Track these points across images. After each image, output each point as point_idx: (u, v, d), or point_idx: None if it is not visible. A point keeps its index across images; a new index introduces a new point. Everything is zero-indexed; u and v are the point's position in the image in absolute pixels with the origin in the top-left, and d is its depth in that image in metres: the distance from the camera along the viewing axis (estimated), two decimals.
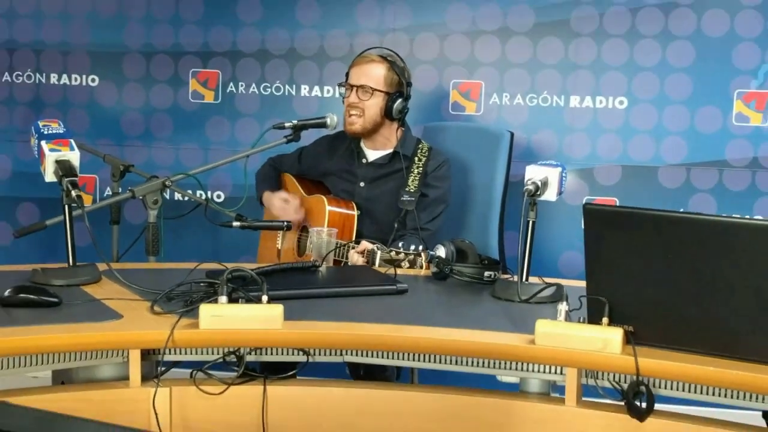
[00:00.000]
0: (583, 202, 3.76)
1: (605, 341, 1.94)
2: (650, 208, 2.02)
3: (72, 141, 2.48)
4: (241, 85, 3.99)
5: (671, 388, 1.97)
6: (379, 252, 2.74)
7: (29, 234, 2.58)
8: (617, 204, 3.72)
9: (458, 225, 3.35)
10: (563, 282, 2.44)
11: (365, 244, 2.85)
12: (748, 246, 1.84)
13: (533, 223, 2.39)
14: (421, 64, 3.82)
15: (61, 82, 4.07)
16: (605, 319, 1.96)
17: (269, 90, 3.98)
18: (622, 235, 1.97)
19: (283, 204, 3.18)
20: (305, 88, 3.96)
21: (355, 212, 3.13)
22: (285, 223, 3.02)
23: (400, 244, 2.73)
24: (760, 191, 3.71)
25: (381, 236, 3.02)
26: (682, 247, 1.90)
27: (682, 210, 3.69)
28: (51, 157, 2.43)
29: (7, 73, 4.06)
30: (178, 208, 3.69)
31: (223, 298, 2.09)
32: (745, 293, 1.86)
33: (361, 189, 3.19)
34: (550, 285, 2.37)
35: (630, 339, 1.95)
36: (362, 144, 3.21)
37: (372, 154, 3.21)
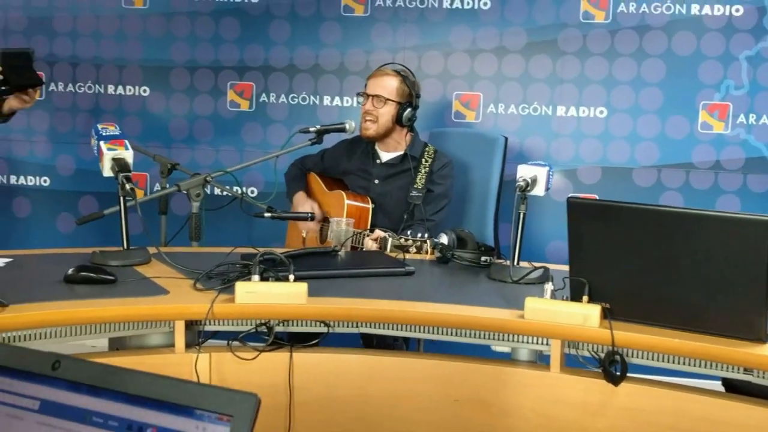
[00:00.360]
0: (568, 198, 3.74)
1: (585, 316, 1.93)
2: (625, 201, 2.01)
3: (126, 142, 2.46)
4: (272, 96, 3.94)
5: (642, 358, 1.95)
6: (390, 239, 2.72)
7: (89, 222, 2.56)
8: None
9: (459, 217, 3.31)
10: (550, 266, 2.42)
11: (378, 232, 2.82)
12: (709, 234, 1.82)
13: (524, 215, 2.36)
14: (427, 78, 3.76)
15: (117, 93, 4.03)
16: (585, 297, 1.94)
17: (296, 100, 3.92)
18: (600, 225, 1.95)
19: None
20: (327, 99, 3.91)
21: (370, 206, 3.10)
22: (309, 215, 3.02)
23: (408, 233, 2.70)
24: (722, 190, 3.64)
25: (392, 226, 2.97)
26: (653, 235, 1.87)
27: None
28: (108, 155, 2.42)
29: (70, 84, 4.04)
30: (217, 201, 3.67)
31: (256, 277, 2.07)
32: (707, 274, 1.84)
33: (375, 186, 3.16)
34: (537, 268, 2.35)
35: (607, 314, 1.93)
36: (376, 146, 3.17)
37: (385, 156, 3.18)
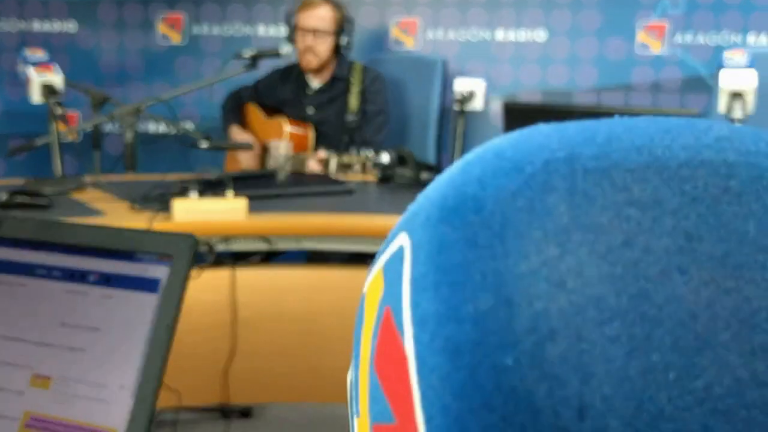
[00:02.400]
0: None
1: None
2: (563, 105, 2.08)
3: (56, 65, 2.47)
4: (205, 27, 3.93)
5: None
6: (333, 159, 2.76)
7: (21, 153, 2.57)
8: None
9: (400, 141, 3.28)
10: None
11: (321, 153, 2.86)
12: None
13: (463, 130, 2.44)
14: (363, 5, 3.76)
15: (44, 30, 3.99)
16: None
17: (230, 30, 3.92)
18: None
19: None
20: (262, 28, 3.90)
21: (310, 132, 3.13)
22: (248, 144, 3.04)
23: (349, 151, 2.75)
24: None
25: (334, 151, 3.03)
26: None
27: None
28: (37, 80, 2.41)
29: None
30: (154, 139, 3.70)
31: (194, 194, 2.10)
32: None
33: (310, 114, 3.18)
34: None
35: None
36: (307, 75, 3.19)
37: (315, 83, 3.19)
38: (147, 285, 0.81)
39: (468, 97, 2.44)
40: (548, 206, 0.29)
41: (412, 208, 0.34)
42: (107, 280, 0.82)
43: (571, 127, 0.32)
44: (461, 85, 2.44)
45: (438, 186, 0.34)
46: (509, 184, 0.30)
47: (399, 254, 0.32)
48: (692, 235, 0.28)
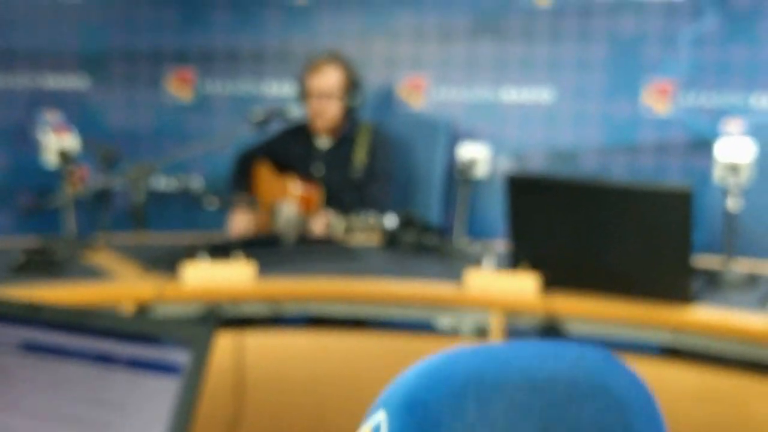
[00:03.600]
0: None
1: (523, 286, 2.10)
2: (560, 177, 2.19)
3: (71, 128, 2.60)
4: (215, 84, 4.04)
5: (580, 325, 2.10)
6: (338, 222, 2.87)
7: (35, 213, 2.69)
8: None
9: (406, 201, 3.43)
10: (495, 241, 2.57)
11: (325, 216, 2.96)
12: (635, 205, 2.01)
13: (466, 197, 2.55)
14: (371, 63, 3.87)
15: (56, 84, 4.08)
16: (523, 268, 2.12)
17: (240, 89, 4.02)
18: (538, 198, 2.12)
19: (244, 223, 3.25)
20: (272, 87, 4.00)
21: (318, 191, 3.21)
22: (253, 200, 3.15)
23: (353, 214, 2.87)
24: (666, 169, 3.78)
25: (341, 210, 3.07)
26: (587, 206, 2.05)
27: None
28: (54, 144, 2.54)
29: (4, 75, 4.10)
30: (163, 197, 3.80)
31: (204, 258, 2.21)
32: (639, 241, 2.02)
33: (318, 172, 3.29)
34: (479, 243, 2.54)
35: (544, 284, 2.10)
36: (315, 134, 3.31)
37: (324, 142, 3.31)
38: (169, 368, 0.93)
39: (471, 165, 2.55)
40: (463, 410, 0.52)
41: (391, 387, 0.54)
42: (133, 363, 0.94)
43: (480, 353, 0.57)
44: (465, 153, 2.56)
45: (408, 378, 0.57)
46: (442, 394, 0.53)
47: (377, 429, 0.54)
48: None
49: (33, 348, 0.96)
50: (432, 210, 3.45)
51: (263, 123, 3.10)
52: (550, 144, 3.89)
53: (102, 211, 3.17)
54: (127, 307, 2.17)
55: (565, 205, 2.09)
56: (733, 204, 2.23)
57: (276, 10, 4.01)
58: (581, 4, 3.82)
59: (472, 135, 3.89)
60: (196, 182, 4.06)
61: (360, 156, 3.23)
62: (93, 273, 2.30)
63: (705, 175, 3.77)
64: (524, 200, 2.14)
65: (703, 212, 2.89)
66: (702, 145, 3.77)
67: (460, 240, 2.55)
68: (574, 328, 2.13)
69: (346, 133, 3.28)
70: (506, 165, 3.89)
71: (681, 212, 1.97)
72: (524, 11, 3.86)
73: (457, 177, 2.55)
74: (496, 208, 3.70)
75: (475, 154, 2.56)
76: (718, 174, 2.29)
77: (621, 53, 3.81)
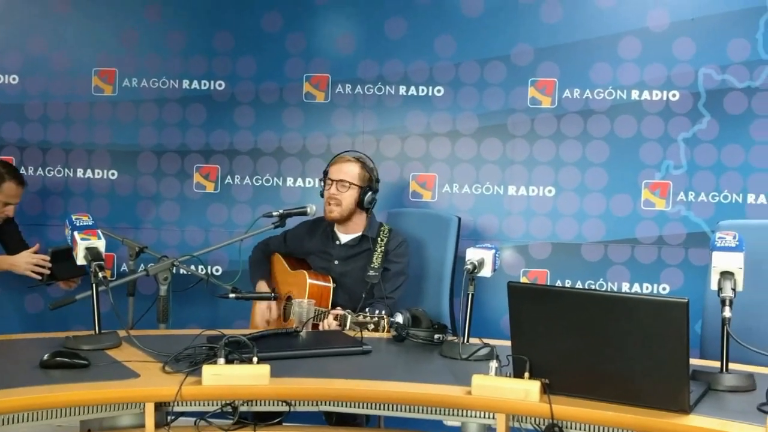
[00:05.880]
0: (521, 273, 3.91)
1: (526, 391, 2.06)
2: (560, 287, 2.18)
3: (99, 231, 2.59)
4: (237, 178, 4.08)
5: (581, 430, 2.06)
6: (349, 317, 2.87)
7: (63, 306, 2.69)
8: (548, 276, 3.88)
9: (416, 294, 3.44)
10: (501, 342, 2.51)
11: (338, 311, 2.96)
12: (633, 315, 1.98)
13: (472, 295, 2.52)
14: (385, 160, 3.95)
15: (86, 176, 4.15)
16: (527, 374, 2.08)
17: (260, 182, 4.07)
18: (538, 306, 2.10)
19: (265, 312, 3.26)
20: (290, 180, 4.05)
21: (331, 285, 3.22)
22: (272, 295, 3.16)
23: (366, 310, 2.86)
24: (666, 264, 3.81)
25: (352, 304, 3.12)
26: (585, 316, 2.03)
27: (601, 280, 3.85)
28: (82, 245, 2.55)
29: (40, 168, 4.15)
30: (184, 281, 3.79)
31: (221, 360, 2.19)
32: (635, 351, 1.99)
33: (335, 266, 3.30)
34: (485, 346, 2.50)
35: (546, 389, 2.06)
36: (336, 228, 3.33)
37: (344, 237, 3.32)
38: None
39: (479, 266, 2.55)
40: None
41: None
42: None
43: None
44: (473, 255, 2.56)
45: None
46: None
47: None
48: None
49: None
50: (443, 301, 3.44)
51: (281, 219, 3.13)
52: (554, 237, 3.91)
53: (127, 305, 3.17)
54: (149, 407, 2.16)
55: (565, 314, 2.08)
56: (728, 312, 2.21)
57: (295, 108, 4.06)
58: (582, 104, 3.86)
59: (479, 229, 3.92)
60: (216, 271, 4.09)
61: (378, 256, 3.23)
62: (117, 371, 2.28)
63: (702, 272, 3.78)
64: (526, 308, 2.13)
65: (701, 308, 2.87)
66: (701, 237, 3.78)
67: (468, 343, 2.52)
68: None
69: (367, 232, 3.29)
70: (511, 258, 3.90)
71: (679, 323, 1.95)
72: (527, 112, 3.90)
73: (465, 275, 2.53)
74: (505, 300, 3.71)
75: (482, 255, 2.56)
76: (714, 282, 2.28)
77: (621, 152, 3.84)
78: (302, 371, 2.31)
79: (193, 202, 4.13)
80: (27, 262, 3.45)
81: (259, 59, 4.05)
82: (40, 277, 3.46)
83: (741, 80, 3.74)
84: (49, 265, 3.44)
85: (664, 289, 3.82)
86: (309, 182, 4.06)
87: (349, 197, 3.25)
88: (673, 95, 3.80)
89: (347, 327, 2.85)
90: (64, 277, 3.50)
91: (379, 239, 3.27)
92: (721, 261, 2.27)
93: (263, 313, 3.25)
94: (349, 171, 3.26)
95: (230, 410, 2.22)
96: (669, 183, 3.83)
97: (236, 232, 3.94)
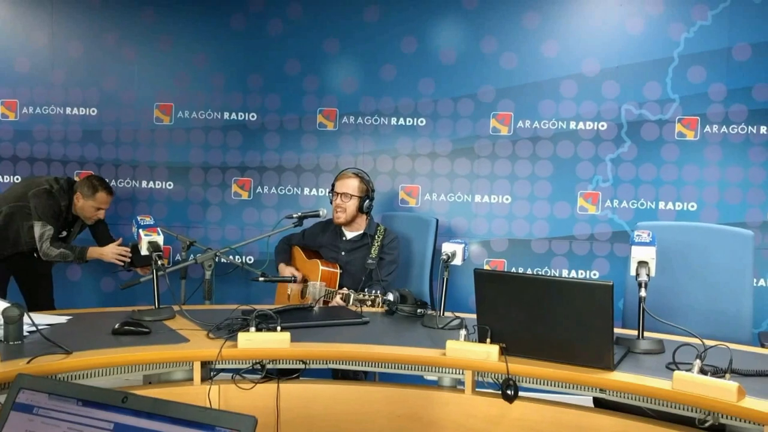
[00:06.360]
0: (484, 261, 3.93)
1: (488, 353, 2.07)
2: (515, 272, 2.18)
3: (159, 229, 2.58)
4: (266, 188, 4.09)
5: (530, 383, 2.07)
6: (352, 295, 2.88)
7: (131, 287, 2.70)
8: (505, 264, 3.89)
9: (404, 278, 3.44)
10: (468, 315, 2.54)
11: (343, 291, 2.96)
12: (570, 295, 2.00)
13: (447, 279, 2.51)
14: (380, 174, 3.97)
15: (149, 186, 4.15)
16: (488, 340, 2.09)
17: (284, 191, 4.10)
18: (498, 288, 2.10)
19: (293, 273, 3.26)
20: (306, 190, 4.06)
21: (338, 271, 3.22)
22: (293, 278, 3.16)
23: (365, 290, 2.87)
24: (596, 255, 3.82)
25: (354, 286, 3.12)
26: (533, 295, 2.04)
27: (546, 267, 3.86)
28: (145, 239, 2.54)
29: (113, 180, 4.15)
30: (223, 268, 3.80)
31: (253, 329, 2.19)
32: (572, 323, 2.00)
33: (342, 256, 3.29)
34: (456, 318, 2.50)
35: (503, 352, 2.07)
36: (343, 228, 3.33)
37: (349, 234, 3.32)
38: None
39: (452, 256, 2.55)
40: None
41: None
42: None
43: None
44: (447, 247, 2.56)
45: None
46: None
47: None
48: None
49: (123, 430, 0.96)
50: (424, 284, 3.44)
51: (299, 220, 3.13)
52: (510, 234, 3.92)
53: (180, 286, 3.17)
54: (196, 365, 2.16)
55: (518, 294, 2.08)
56: (643, 293, 2.22)
57: (311, 134, 4.07)
58: (532, 132, 3.87)
59: (453, 228, 3.93)
60: (249, 260, 4.09)
61: (375, 249, 3.22)
62: (172, 337, 2.29)
63: (624, 261, 3.79)
64: (488, 289, 2.13)
65: (623, 289, 2.88)
66: (622, 235, 3.79)
67: (443, 316, 2.52)
68: (526, 385, 2.10)
69: (367, 230, 3.28)
70: (477, 250, 3.91)
71: (605, 301, 1.96)
72: (489, 138, 3.91)
73: (441, 264, 2.53)
74: (468, 283, 3.71)
75: (455, 248, 2.56)
76: (633, 269, 2.29)
77: (562, 169, 3.85)
78: (315, 338, 2.31)
79: (231, 207, 4.12)
80: (113, 252, 3.45)
81: (283, 96, 4.05)
82: (122, 264, 3.46)
83: (654, 114, 3.76)
84: (130, 254, 3.44)
85: (594, 274, 3.83)
86: (321, 191, 4.05)
87: (351, 205, 3.25)
88: (602, 125, 3.82)
89: (350, 303, 2.85)
90: (141, 265, 3.50)
91: (376, 236, 3.27)
92: (638, 253, 2.28)
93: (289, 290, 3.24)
94: (351, 185, 3.26)
95: (259, 368, 2.22)
96: (599, 193, 3.84)
97: (265, 230, 3.94)
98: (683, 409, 1.88)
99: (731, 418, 1.81)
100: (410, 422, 2.18)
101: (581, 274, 3.84)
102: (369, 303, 2.78)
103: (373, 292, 2.81)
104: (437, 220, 3.51)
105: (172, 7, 4.08)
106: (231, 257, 3.28)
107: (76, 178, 3.77)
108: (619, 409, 2.07)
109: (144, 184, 4.17)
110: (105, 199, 3.59)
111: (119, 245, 3.47)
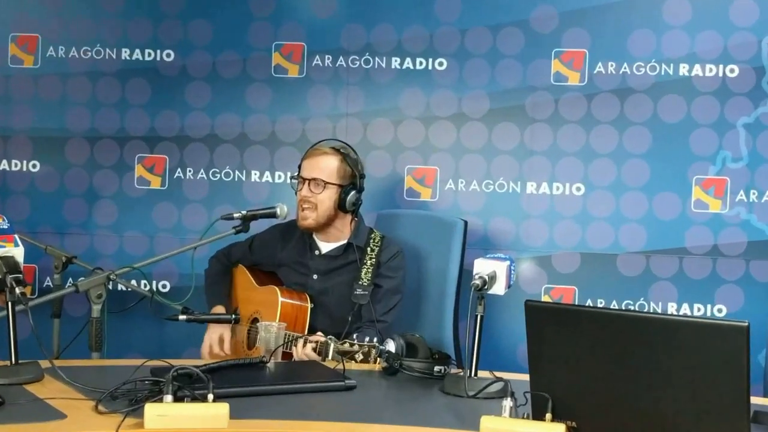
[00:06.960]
0: (542, 290, 3.92)
1: None
2: (591, 307, 2.17)
3: (16, 236, 2.55)
4: (189, 171, 4.10)
5: None
6: (332, 344, 2.84)
7: None
8: (575, 293, 3.89)
9: (413, 315, 3.45)
10: (518, 376, 2.50)
11: (317, 336, 2.93)
12: (681, 342, 1.97)
13: (482, 317, 2.50)
14: (374, 150, 3.96)
15: (0, 168, 4.15)
16: (548, 415, 2.06)
17: (218, 176, 4.09)
18: (562, 331, 2.08)
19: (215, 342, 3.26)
20: (255, 174, 4.06)
21: (309, 304, 3.21)
22: (233, 317, 3.15)
23: (354, 336, 2.81)
24: (722, 279, 3.81)
25: (335, 330, 3.09)
26: (620, 343, 2.01)
27: (641, 299, 3.86)
28: None
29: None
30: (122, 298, 3.79)
31: (169, 397, 2.15)
32: (685, 388, 1.98)
33: (314, 281, 3.28)
34: (497, 380, 2.48)
35: None
36: (315, 236, 3.31)
37: (325, 246, 3.30)
38: None
39: (489, 281, 2.54)
40: None
41: None
42: None
43: None
44: (483, 267, 2.55)
45: None
46: None
47: None
48: None
49: None
50: (445, 325, 3.45)
51: (244, 223, 3.11)
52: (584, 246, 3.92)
53: (52, 328, 3.17)
54: None
55: (596, 341, 2.07)
56: None
57: (262, 85, 4.07)
58: (618, 82, 3.87)
59: (490, 235, 3.92)
60: (163, 287, 4.08)
61: (367, 269, 3.22)
62: (39, 410, 2.25)
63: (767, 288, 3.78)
64: (548, 333, 2.11)
65: (765, 334, 2.89)
66: (764, 246, 3.80)
67: (476, 377, 2.51)
68: None
69: (353, 240, 3.28)
70: (531, 271, 3.91)
71: (738, 352, 1.95)
72: (550, 91, 3.91)
73: (473, 293, 2.52)
74: (517, 324, 3.72)
75: (494, 268, 2.55)
76: None
77: (666, 141, 3.85)
78: (270, 412, 2.29)
79: (134, 200, 4.13)
80: None
81: (216, 23, 4.06)
82: None
83: None
84: None
85: (719, 310, 3.84)
86: (279, 177, 4.06)
87: (325, 199, 3.23)
88: (731, 70, 3.82)
89: (329, 357, 2.84)
90: None
91: (368, 249, 3.27)
92: None
93: (213, 343, 3.23)
94: (326, 166, 3.24)
95: None
96: (726, 179, 3.84)
97: (188, 238, 3.94)
98: None
99: None
100: None
101: (697, 309, 3.85)
102: (358, 357, 2.78)
103: (366, 339, 2.81)
104: (466, 223, 3.51)
105: None
106: (133, 283, 3.27)
107: None
108: None
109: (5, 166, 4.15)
110: None
111: None
